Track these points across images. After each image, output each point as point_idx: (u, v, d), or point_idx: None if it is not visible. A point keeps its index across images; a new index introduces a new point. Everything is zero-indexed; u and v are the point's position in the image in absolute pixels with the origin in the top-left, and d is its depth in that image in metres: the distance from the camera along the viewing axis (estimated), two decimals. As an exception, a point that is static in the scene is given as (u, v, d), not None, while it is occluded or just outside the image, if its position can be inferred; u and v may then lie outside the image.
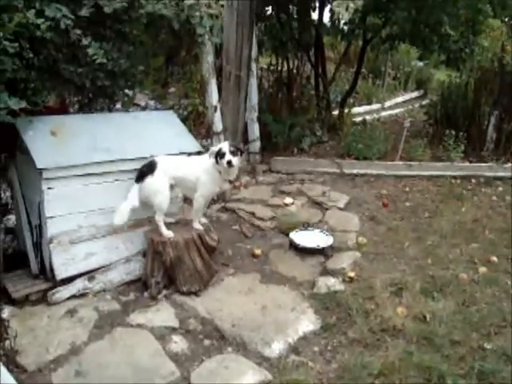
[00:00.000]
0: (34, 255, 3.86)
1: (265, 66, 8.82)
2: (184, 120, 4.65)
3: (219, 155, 3.82)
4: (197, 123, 5.40)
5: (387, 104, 11.75)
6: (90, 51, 3.55)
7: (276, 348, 3.37)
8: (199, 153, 4.25)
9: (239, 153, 3.93)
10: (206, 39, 4.80)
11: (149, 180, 3.88)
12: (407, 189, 6.36)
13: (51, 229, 3.68)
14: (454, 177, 6.68)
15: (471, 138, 7.71)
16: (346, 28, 8.32)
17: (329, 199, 5.73)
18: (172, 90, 6.98)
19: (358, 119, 9.26)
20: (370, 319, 3.64)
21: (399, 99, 12.67)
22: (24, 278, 3.84)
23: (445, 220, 5.41)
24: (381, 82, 12.61)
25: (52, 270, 3.72)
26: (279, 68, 8.60)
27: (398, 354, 3.25)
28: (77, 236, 3.78)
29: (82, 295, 3.80)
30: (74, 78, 3.86)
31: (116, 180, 3.93)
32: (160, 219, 3.96)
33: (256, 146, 6.88)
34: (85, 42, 3.52)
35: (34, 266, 3.86)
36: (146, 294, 3.93)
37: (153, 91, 7.46)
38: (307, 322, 3.66)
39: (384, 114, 10.56)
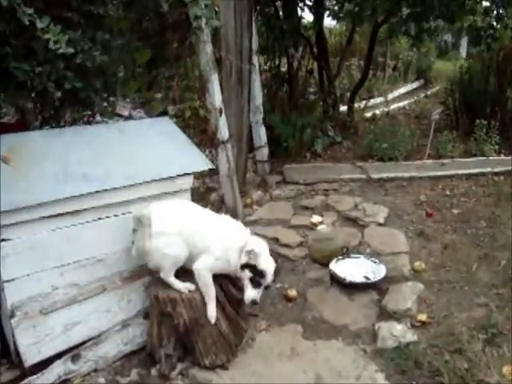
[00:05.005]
0: (-8, 333, 2.75)
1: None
2: (183, 129, 3.57)
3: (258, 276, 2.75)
4: (197, 132, 4.37)
5: (390, 96, 10.81)
6: (49, 38, 2.43)
7: None
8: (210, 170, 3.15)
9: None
10: (203, 23, 3.72)
11: (147, 245, 2.76)
12: (448, 192, 5.38)
13: (12, 296, 2.55)
14: (496, 173, 5.72)
15: (502, 127, 6.75)
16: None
17: (364, 213, 4.68)
18: (159, 95, 5.88)
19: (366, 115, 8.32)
20: (469, 387, 2.61)
21: (402, 90, 11.78)
22: (-19, 364, 2.73)
23: (509, 229, 4.40)
24: (381, 73, 11.66)
25: (18, 353, 2.61)
26: (277, 62, 7.55)
27: None
28: (51, 302, 2.67)
29: (64, 382, 2.71)
30: (31, 80, 2.76)
31: (99, 218, 2.80)
32: (169, 275, 2.82)
33: (264, 153, 5.79)
34: (40, 24, 2.40)
35: (-8, 347, 2.75)
36: (153, 370, 2.85)
37: (136, 98, 6.39)
38: (383, 397, 2.62)
39: (392, 107, 9.58)
